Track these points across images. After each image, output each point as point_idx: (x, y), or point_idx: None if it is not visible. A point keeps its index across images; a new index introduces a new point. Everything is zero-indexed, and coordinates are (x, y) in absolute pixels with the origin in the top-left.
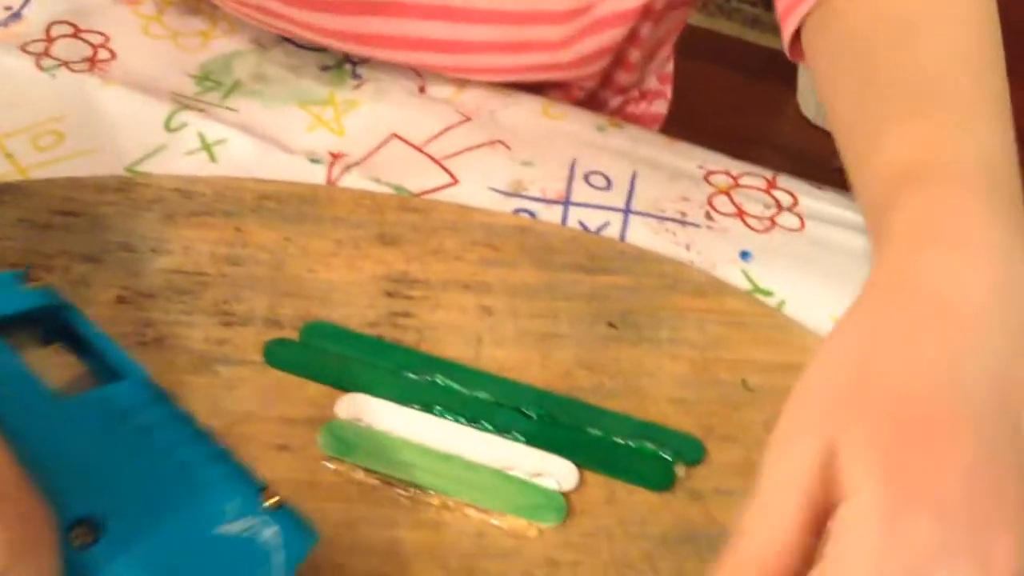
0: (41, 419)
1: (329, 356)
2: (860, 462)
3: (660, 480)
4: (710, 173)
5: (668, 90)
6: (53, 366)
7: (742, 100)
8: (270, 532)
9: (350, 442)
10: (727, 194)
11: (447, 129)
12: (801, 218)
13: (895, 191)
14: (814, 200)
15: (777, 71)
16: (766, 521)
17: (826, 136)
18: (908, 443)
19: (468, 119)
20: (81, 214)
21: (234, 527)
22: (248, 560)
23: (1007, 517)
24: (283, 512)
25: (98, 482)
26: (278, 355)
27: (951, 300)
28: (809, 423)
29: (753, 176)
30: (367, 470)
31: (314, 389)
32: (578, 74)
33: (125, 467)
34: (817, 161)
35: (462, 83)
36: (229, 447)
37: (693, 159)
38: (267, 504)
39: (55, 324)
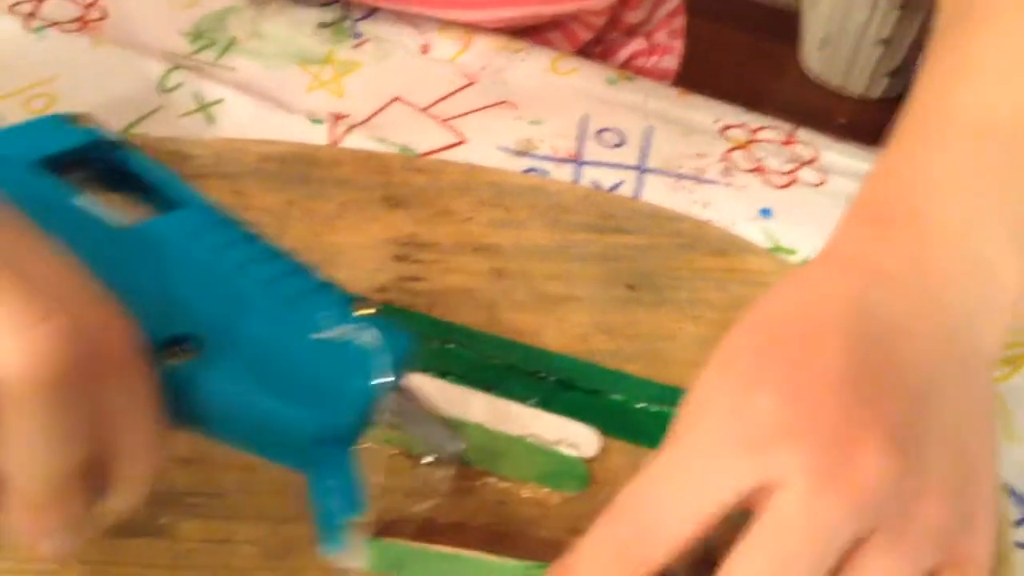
0: (114, 251)
1: None
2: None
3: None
4: (727, 127)
5: (678, 45)
6: (114, 208)
7: (745, 57)
8: (368, 337)
9: None
10: (745, 149)
11: (452, 93)
12: (822, 172)
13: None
14: (835, 154)
15: (780, 27)
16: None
17: (830, 93)
18: (776, 349)
19: (473, 82)
20: None
21: (329, 334)
22: (349, 363)
23: (880, 422)
24: (378, 319)
25: (187, 302)
26: None
27: (870, 265)
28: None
29: (771, 130)
30: (385, 441)
31: None
32: (585, 3)
33: (210, 284)
34: (821, 118)
35: (467, 39)
36: (308, 265)
37: (708, 113)
38: (360, 312)
39: (110, 166)
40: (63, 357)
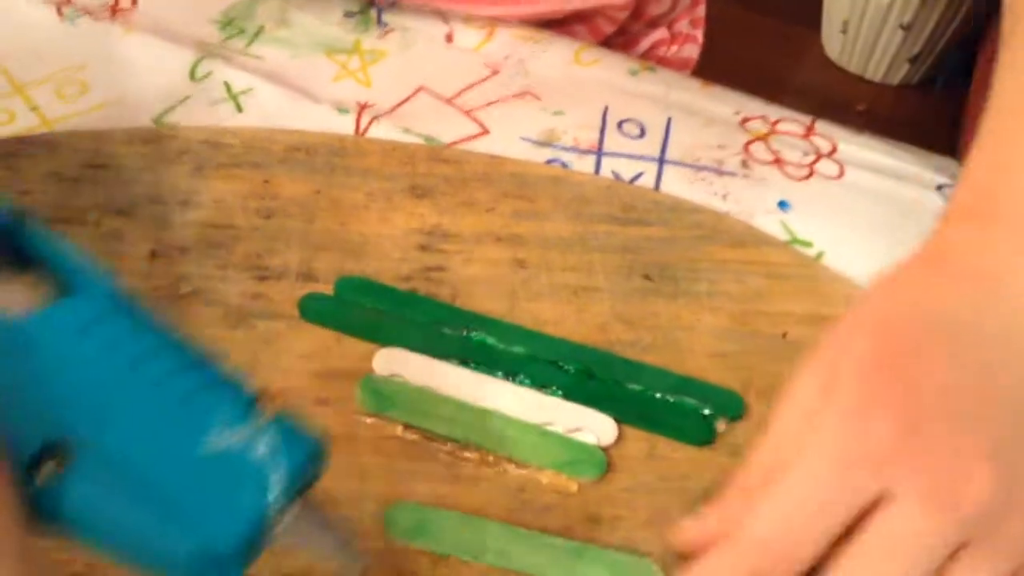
0: None
1: (364, 311)
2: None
3: (701, 435)
4: (746, 119)
5: (699, 34)
6: (12, 293)
7: (765, 42)
8: (264, 445)
9: (388, 397)
10: (764, 141)
11: (475, 83)
12: (840, 165)
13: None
14: (853, 146)
15: (801, 12)
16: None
17: (850, 78)
18: (886, 365)
19: (496, 72)
20: (110, 167)
21: (223, 440)
22: (241, 475)
23: (983, 445)
24: (281, 422)
25: (62, 406)
26: (313, 310)
27: (976, 265)
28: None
29: (790, 122)
30: (406, 425)
31: (350, 344)
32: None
33: (92, 387)
34: (842, 103)
35: (490, 29)
36: (214, 356)
37: (729, 104)
38: (261, 415)
39: (12, 245)
40: None
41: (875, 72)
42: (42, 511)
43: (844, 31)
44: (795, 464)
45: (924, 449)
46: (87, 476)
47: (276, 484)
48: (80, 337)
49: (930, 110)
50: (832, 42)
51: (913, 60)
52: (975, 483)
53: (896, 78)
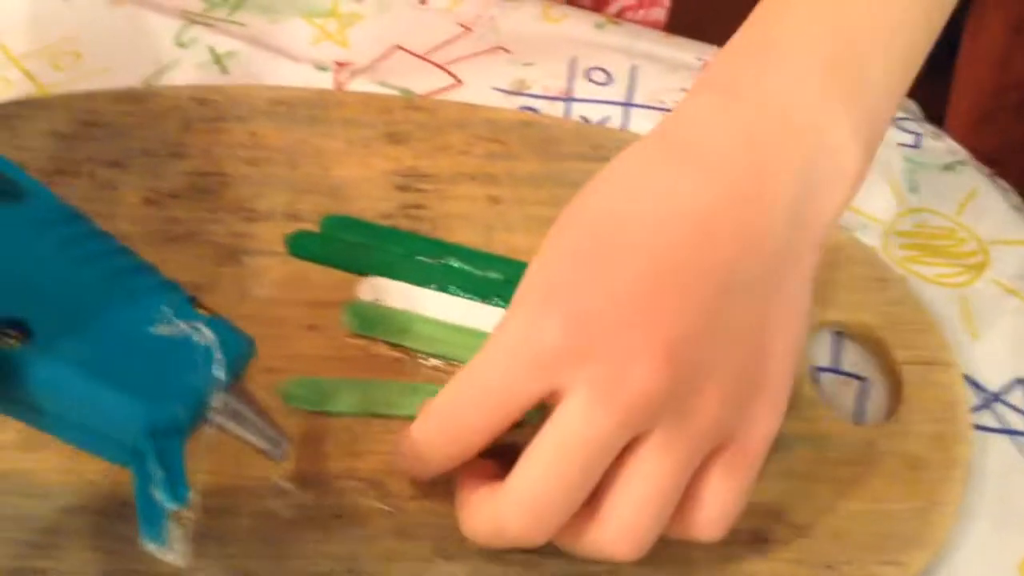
0: None
1: (349, 245)
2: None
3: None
4: (709, 64)
5: None
6: None
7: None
8: (205, 334)
9: (373, 320)
10: None
11: (449, 41)
12: None
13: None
14: None
15: None
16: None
17: None
18: (574, 264)
19: (469, 30)
20: (102, 124)
21: (167, 329)
22: (185, 359)
23: (655, 339)
24: (217, 320)
25: (22, 288)
26: (301, 245)
27: (690, 139)
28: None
29: None
30: (391, 344)
31: (336, 276)
32: None
33: (50, 273)
34: None
35: None
36: (154, 265)
37: (691, 51)
38: (200, 312)
39: None
40: None
41: None
42: (4, 376)
43: None
44: (482, 351)
45: (589, 348)
46: (43, 348)
47: (216, 366)
48: (38, 231)
49: (914, 84)
50: None
51: None
52: (641, 375)
53: None
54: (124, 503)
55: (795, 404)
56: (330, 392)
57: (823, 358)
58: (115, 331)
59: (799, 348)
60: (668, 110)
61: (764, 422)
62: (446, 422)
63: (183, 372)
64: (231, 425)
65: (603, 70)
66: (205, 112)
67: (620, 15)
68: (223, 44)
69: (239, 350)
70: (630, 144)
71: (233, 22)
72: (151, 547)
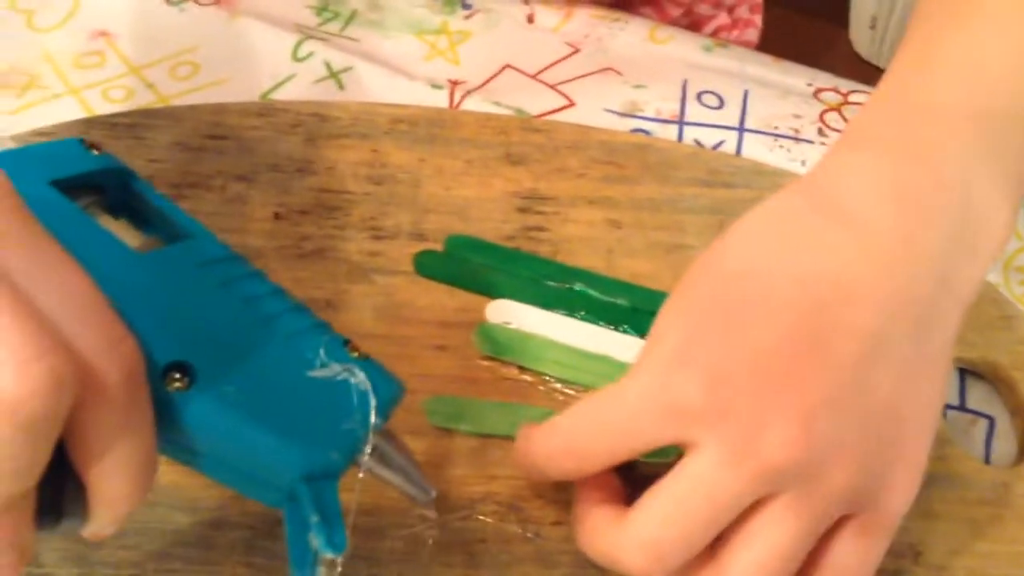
0: (124, 273)
1: (473, 266)
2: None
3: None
4: (819, 90)
5: (758, 19)
6: (123, 233)
7: (793, 38)
8: (360, 378)
9: (504, 343)
10: (838, 111)
11: (558, 61)
12: None
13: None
14: None
15: (829, 7)
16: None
17: (879, 73)
18: (712, 319)
19: (577, 51)
20: (229, 137)
21: (323, 372)
22: (339, 403)
23: (794, 404)
24: (370, 362)
25: (187, 330)
26: (427, 265)
27: (835, 194)
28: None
29: (862, 93)
30: (521, 368)
31: (462, 296)
32: None
33: (211, 316)
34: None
35: (568, 10)
36: (306, 306)
37: (801, 76)
38: (354, 354)
39: (120, 194)
40: (45, 402)
41: None
42: (163, 424)
43: (873, 27)
44: (616, 385)
45: (725, 410)
46: (208, 392)
47: (371, 410)
48: (201, 272)
49: None
50: (861, 38)
51: None
52: (775, 442)
53: None
54: (275, 520)
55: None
56: (472, 412)
57: (951, 396)
58: (273, 374)
59: (938, 414)
60: (781, 135)
61: (900, 491)
62: (567, 442)
63: (339, 416)
64: (380, 469)
65: (715, 94)
66: (328, 128)
67: (715, 35)
68: (338, 59)
69: (390, 393)
70: (746, 169)
71: (346, 37)
72: None
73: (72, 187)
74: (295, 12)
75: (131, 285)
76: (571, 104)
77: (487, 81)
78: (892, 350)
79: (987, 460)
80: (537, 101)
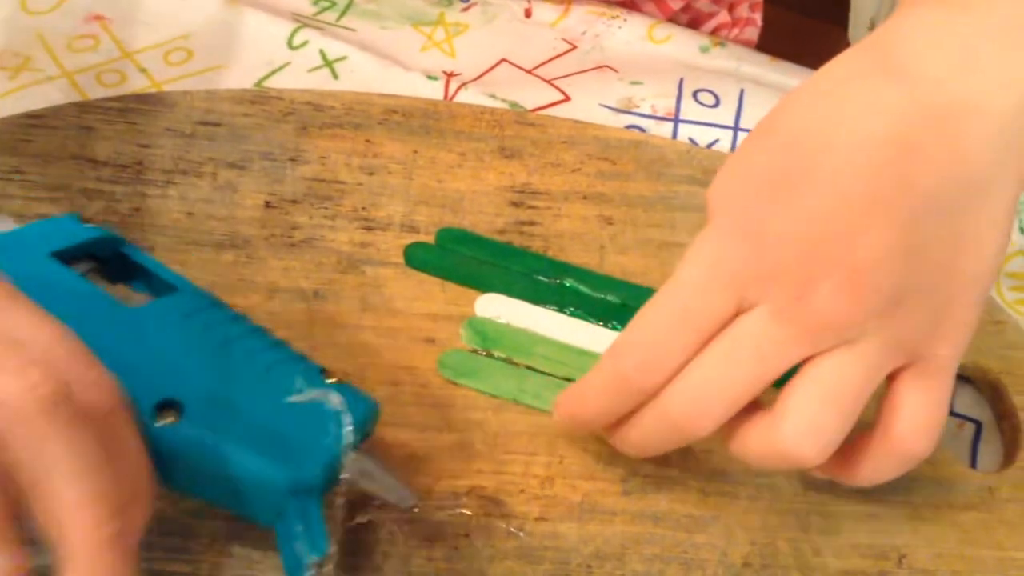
0: (118, 327)
1: (465, 259)
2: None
3: (786, 377)
4: None
5: (758, 17)
6: (116, 294)
7: (791, 38)
8: (335, 400)
9: (491, 336)
10: None
11: (554, 57)
12: None
13: None
14: None
15: (828, 8)
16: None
17: None
18: (768, 185)
19: (574, 47)
20: (222, 124)
21: (301, 398)
22: (319, 424)
23: (842, 264)
24: (345, 386)
25: (174, 371)
26: (418, 257)
27: (901, 52)
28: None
29: None
30: (508, 362)
31: (452, 289)
32: None
33: (197, 357)
34: None
35: (566, 5)
36: (285, 341)
37: (797, 77)
38: (329, 380)
39: (114, 260)
40: (31, 407)
41: None
42: (158, 457)
43: (871, 28)
44: (670, 280)
45: (775, 271)
46: (196, 424)
47: (347, 428)
48: (185, 321)
49: None
50: (859, 39)
51: None
52: (823, 300)
53: None
54: None
55: None
56: (484, 370)
57: None
58: (255, 402)
59: (993, 273)
60: None
61: (952, 342)
62: (647, 336)
63: (317, 436)
64: (362, 481)
65: (711, 92)
66: (321, 118)
67: (715, 33)
68: (334, 48)
69: (367, 413)
70: None
71: (342, 27)
72: None
73: (71, 257)
74: (291, 0)
75: (124, 336)
76: (566, 99)
77: (483, 74)
78: (948, 207)
79: (973, 465)
80: (532, 95)
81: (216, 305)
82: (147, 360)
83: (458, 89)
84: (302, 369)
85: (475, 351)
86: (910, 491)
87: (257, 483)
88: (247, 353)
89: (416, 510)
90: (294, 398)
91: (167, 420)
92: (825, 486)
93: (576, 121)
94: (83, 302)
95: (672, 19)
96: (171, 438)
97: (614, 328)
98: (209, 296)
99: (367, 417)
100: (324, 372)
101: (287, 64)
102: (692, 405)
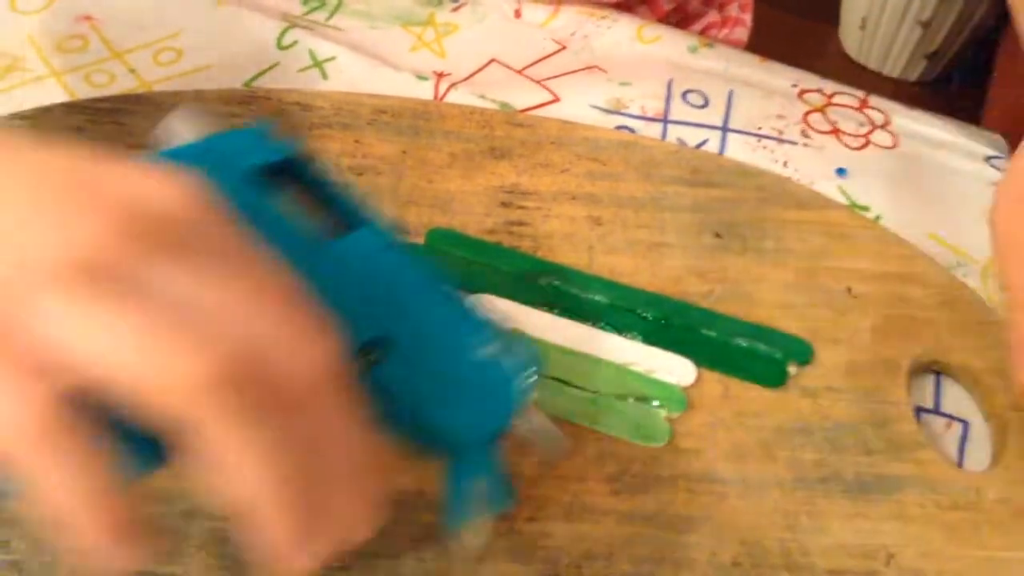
0: (316, 256)
1: (454, 260)
2: None
3: (774, 377)
4: (803, 91)
5: (748, 18)
6: (311, 219)
7: (782, 37)
8: (519, 352)
9: None
10: (821, 112)
11: (544, 57)
12: (894, 136)
13: None
14: (906, 119)
15: (819, 7)
16: None
17: (868, 73)
18: None
19: (564, 48)
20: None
21: (493, 348)
22: (502, 375)
23: None
24: (518, 337)
25: (379, 309)
26: None
27: None
28: None
29: (845, 95)
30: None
31: None
32: None
33: (400, 295)
34: None
35: (555, 5)
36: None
37: (786, 77)
38: (505, 333)
39: (303, 180)
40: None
41: (893, 68)
42: (363, 389)
43: (863, 27)
44: None
45: None
46: (400, 364)
47: (531, 380)
48: (384, 255)
49: (946, 107)
50: (850, 38)
51: (931, 57)
52: None
53: (914, 75)
54: None
55: (903, 446)
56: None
57: (925, 399)
58: (452, 347)
59: None
60: (764, 136)
61: None
62: None
63: (507, 386)
64: (525, 429)
65: (700, 92)
66: (310, 118)
67: (704, 32)
68: (323, 49)
69: (534, 363)
70: (728, 169)
71: (332, 27)
72: (459, 533)
73: (263, 175)
74: (281, 0)
75: (322, 271)
76: (556, 99)
77: (473, 74)
78: None
79: (961, 464)
80: (522, 96)
81: (405, 246)
82: (354, 296)
83: (448, 89)
84: (485, 319)
85: None
86: (898, 491)
87: (452, 429)
88: (444, 296)
89: (565, 456)
90: (483, 347)
91: (373, 359)
92: (813, 486)
93: (565, 122)
94: (283, 230)
95: (662, 20)
96: (374, 377)
97: (603, 328)
98: (392, 235)
99: (537, 367)
100: (499, 324)
101: (276, 64)
102: None
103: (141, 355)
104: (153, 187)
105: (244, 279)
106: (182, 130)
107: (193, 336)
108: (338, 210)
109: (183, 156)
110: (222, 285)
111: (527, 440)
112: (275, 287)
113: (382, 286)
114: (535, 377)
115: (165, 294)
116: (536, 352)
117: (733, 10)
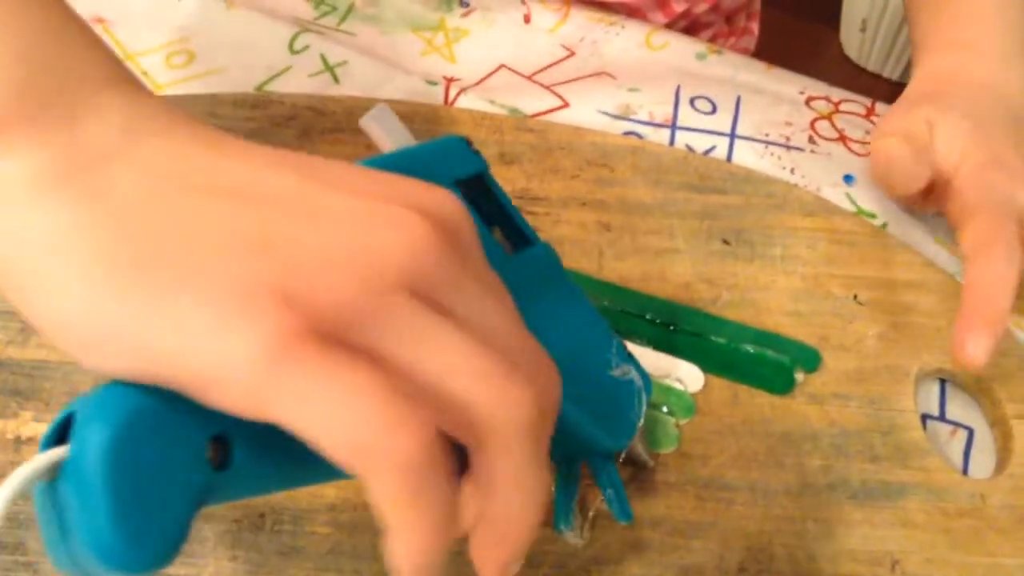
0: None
1: None
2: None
3: (781, 384)
4: (811, 99)
5: (755, 27)
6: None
7: (783, 39)
8: (637, 377)
9: None
10: (829, 119)
11: (553, 63)
12: None
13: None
14: None
15: (819, 9)
16: None
17: (869, 76)
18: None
19: (573, 54)
20: (224, 128)
21: (618, 371)
22: (627, 397)
23: None
24: (636, 359)
25: (542, 333)
26: None
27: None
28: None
29: (852, 103)
30: None
31: None
32: None
33: (556, 321)
34: None
35: (565, 11)
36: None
37: (794, 84)
38: (632, 355)
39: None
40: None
41: (893, 71)
42: None
43: (863, 29)
44: None
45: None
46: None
47: (643, 402)
48: (544, 275)
49: None
50: (851, 40)
51: None
52: None
53: None
54: (260, 513)
55: (910, 453)
56: None
57: (931, 406)
58: (592, 372)
59: None
60: (772, 143)
61: None
62: None
63: (629, 408)
64: (633, 447)
65: (708, 99)
66: (322, 122)
67: (712, 41)
68: (334, 53)
69: (650, 388)
70: (736, 176)
71: (343, 31)
72: (565, 534)
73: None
74: (293, 5)
75: (512, 286)
76: (565, 105)
77: (482, 80)
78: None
79: (965, 471)
80: (531, 101)
81: (560, 265)
82: (527, 311)
83: (458, 94)
84: (616, 342)
85: None
86: (903, 497)
87: (586, 446)
88: (589, 313)
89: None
90: (614, 371)
91: None
92: (820, 493)
93: (574, 127)
94: (487, 245)
95: (670, 26)
96: None
97: None
98: (555, 255)
99: (649, 389)
100: (625, 347)
101: (288, 68)
102: None
103: (479, 382)
104: (442, 198)
105: (504, 299)
106: (378, 130)
107: (513, 365)
108: (509, 226)
109: (393, 165)
110: (493, 308)
111: (627, 459)
112: (512, 304)
113: (549, 302)
114: (647, 402)
115: (470, 313)
116: (649, 377)
117: (740, 20)
